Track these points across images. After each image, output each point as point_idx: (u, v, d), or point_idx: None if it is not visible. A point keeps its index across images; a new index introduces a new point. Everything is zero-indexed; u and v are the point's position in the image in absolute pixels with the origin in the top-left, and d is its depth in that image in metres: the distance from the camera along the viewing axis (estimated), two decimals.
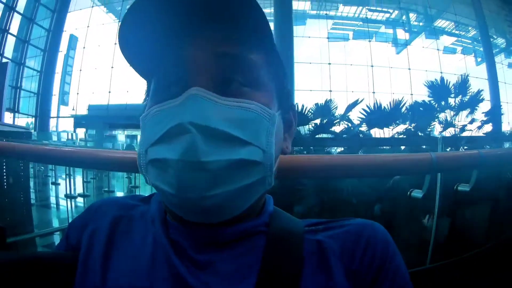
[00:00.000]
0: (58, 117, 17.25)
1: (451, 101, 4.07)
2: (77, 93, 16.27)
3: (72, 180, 5.29)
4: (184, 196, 0.34)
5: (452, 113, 4.06)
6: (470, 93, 4.14)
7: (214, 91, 0.35)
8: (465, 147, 2.25)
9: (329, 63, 10.73)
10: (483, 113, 4.27)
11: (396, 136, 3.56)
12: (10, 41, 15.98)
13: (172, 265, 0.37)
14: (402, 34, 12.01)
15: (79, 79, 16.68)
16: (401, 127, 3.63)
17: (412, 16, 12.31)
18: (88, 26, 13.60)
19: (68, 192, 5.17)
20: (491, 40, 11.52)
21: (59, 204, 5.49)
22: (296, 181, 1.80)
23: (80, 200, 4.83)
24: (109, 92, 15.37)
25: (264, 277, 0.36)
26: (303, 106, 3.20)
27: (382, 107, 3.60)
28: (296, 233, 0.40)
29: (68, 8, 15.11)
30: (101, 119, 15.33)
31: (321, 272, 0.38)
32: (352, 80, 10.68)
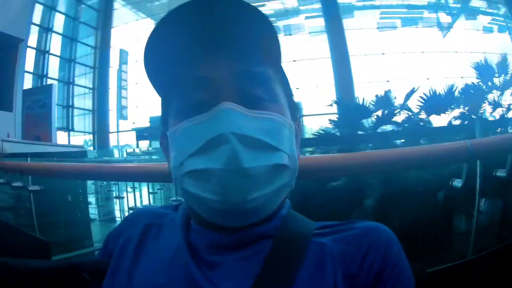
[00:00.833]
0: (118, 131, 17.84)
1: (496, 80, 4.06)
2: (136, 106, 16.81)
3: (137, 193, 5.41)
4: (228, 201, 0.36)
5: (498, 93, 4.03)
6: (511, 72, 4.17)
7: (240, 105, 0.38)
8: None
9: (383, 53, 10.47)
10: None
11: (452, 121, 3.53)
12: (54, 62, 16.55)
13: (186, 265, 0.41)
14: (444, 18, 11.84)
15: (136, 93, 17.24)
16: (456, 112, 3.56)
17: None
18: (137, 40, 14.10)
19: (133, 204, 5.27)
20: None
21: (123, 218, 5.59)
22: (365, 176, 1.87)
23: None
24: None
25: (261, 280, 0.38)
26: (363, 99, 3.29)
27: (437, 93, 3.57)
28: (303, 236, 0.42)
29: (111, 24, 15.66)
30: None
31: (317, 275, 0.39)
32: (406, 68, 10.45)
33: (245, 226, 0.40)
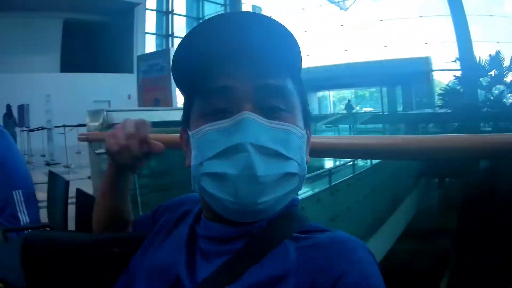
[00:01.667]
0: None
1: None
2: None
3: None
4: (240, 202, 0.41)
5: None
6: None
7: (259, 114, 0.42)
8: None
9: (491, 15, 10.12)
10: None
11: None
12: (179, 21, 16.89)
13: (187, 250, 0.48)
14: None
15: None
16: None
17: None
18: None
19: None
20: None
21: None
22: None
23: None
24: (307, 55, 16.41)
25: (220, 269, 0.42)
26: (479, 58, 3.23)
27: None
28: (276, 237, 0.44)
29: None
30: (304, 82, 16.83)
31: (269, 273, 0.40)
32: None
33: (241, 223, 0.44)
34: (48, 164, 7.52)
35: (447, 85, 8.78)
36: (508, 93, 6.61)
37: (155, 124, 0.64)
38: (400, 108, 14.25)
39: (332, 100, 18.18)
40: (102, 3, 13.05)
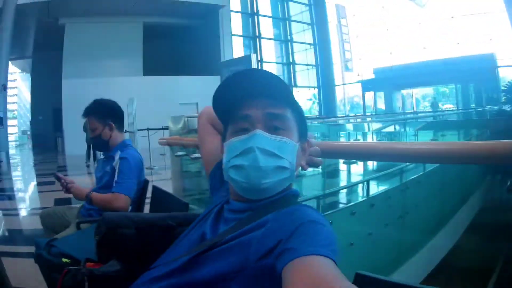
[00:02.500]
0: (344, 84, 18.88)
1: None
2: (360, 59, 17.48)
3: None
4: (250, 183, 0.63)
5: None
6: None
7: (266, 131, 0.65)
8: None
9: None
10: None
11: None
12: (266, 22, 17.02)
13: (215, 217, 0.72)
14: None
15: (358, 45, 17.68)
16: None
17: None
18: None
19: None
20: None
21: None
22: None
23: None
24: (390, 53, 16.09)
25: (230, 227, 0.65)
26: None
27: None
28: (264, 212, 0.63)
29: None
30: (388, 81, 16.02)
31: (249, 233, 0.61)
32: None
33: (255, 200, 0.67)
34: None
35: (509, 81, 8.87)
36: None
37: None
38: (473, 105, 14.57)
39: (414, 97, 17.01)
40: (184, 7, 13.09)
